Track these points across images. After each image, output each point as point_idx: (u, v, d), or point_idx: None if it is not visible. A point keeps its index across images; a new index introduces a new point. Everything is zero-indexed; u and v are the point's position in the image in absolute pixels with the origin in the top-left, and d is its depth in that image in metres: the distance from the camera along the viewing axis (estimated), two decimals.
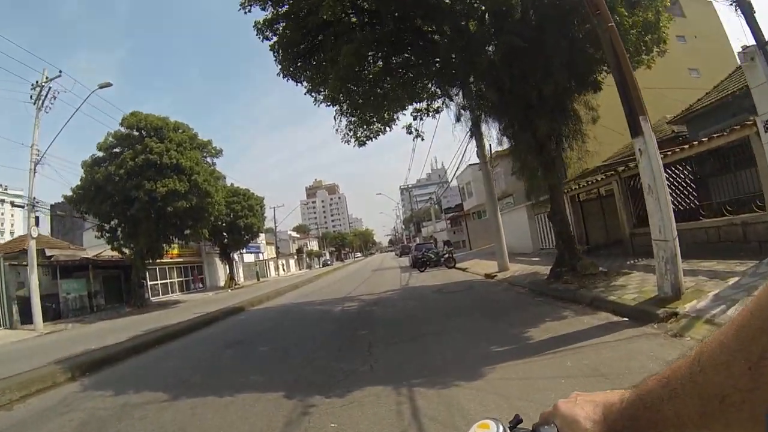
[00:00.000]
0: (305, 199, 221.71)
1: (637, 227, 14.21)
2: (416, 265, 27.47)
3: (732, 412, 0.58)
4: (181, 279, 42.20)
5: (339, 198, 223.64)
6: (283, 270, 76.18)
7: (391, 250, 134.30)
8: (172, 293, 39.61)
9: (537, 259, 19.60)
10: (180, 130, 28.17)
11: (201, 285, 43.94)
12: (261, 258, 66.69)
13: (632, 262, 12.57)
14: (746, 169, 10.43)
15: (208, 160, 30.41)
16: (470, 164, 46.16)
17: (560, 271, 11.29)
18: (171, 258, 40.24)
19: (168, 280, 40.28)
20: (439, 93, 14.71)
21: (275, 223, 65.95)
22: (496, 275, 16.88)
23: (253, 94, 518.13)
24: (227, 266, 44.25)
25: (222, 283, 44.72)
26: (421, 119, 16.54)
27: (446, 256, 25.83)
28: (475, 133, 17.11)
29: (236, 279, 44.78)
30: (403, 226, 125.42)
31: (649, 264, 10.05)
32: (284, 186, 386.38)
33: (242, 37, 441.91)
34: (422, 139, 17.09)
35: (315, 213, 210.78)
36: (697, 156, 11.84)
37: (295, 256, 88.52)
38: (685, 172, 12.57)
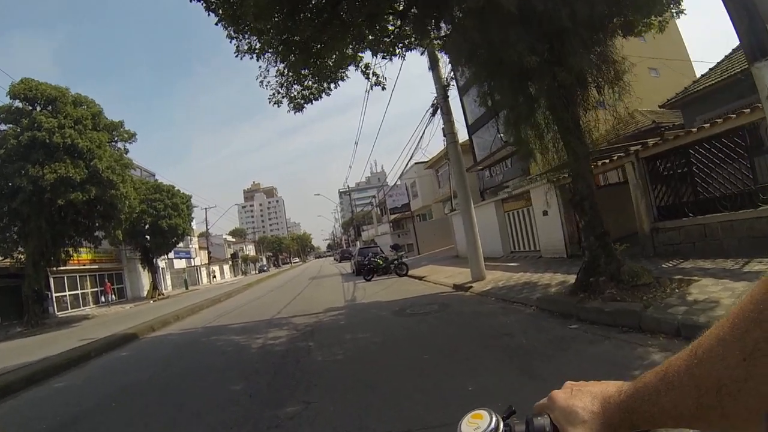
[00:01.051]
0: (243, 202, 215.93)
1: (659, 220, 11.46)
2: (360, 273, 24.20)
3: (728, 402, 0.59)
4: (96, 289, 37.02)
5: (277, 201, 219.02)
6: (218, 277, 71.32)
7: (330, 255, 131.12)
8: (84, 306, 34.67)
9: (515, 264, 16.48)
10: (82, 105, 23.27)
11: (112, 297, 37.86)
12: (192, 264, 61.86)
13: (671, 264, 9.61)
14: None
15: (119, 146, 25.65)
16: (416, 162, 43.71)
17: (594, 281, 7.83)
18: (82, 264, 35.48)
19: (80, 291, 35.08)
20: (411, 30, 10.93)
21: (207, 225, 61.16)
22: (470, 286, 13.38)
23: (193, 92, 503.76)
24: (151, 274, 39.63)
25: (145, 293, 40.08)
26: (375, 76, 12.87)
27: (396, 262, 22.49)
28: (443, 105, 14.23)
29: (161, 288, 40.12)
30: (342, 230, 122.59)
31: (701, 267, 8.25)
32: (222, 188, 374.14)
33: (185, 32, 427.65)
34: (383, 88, 13.21)
35: (253, 216, 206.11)
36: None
37: (230, 262, 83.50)
38: (730, 146, 9.54)
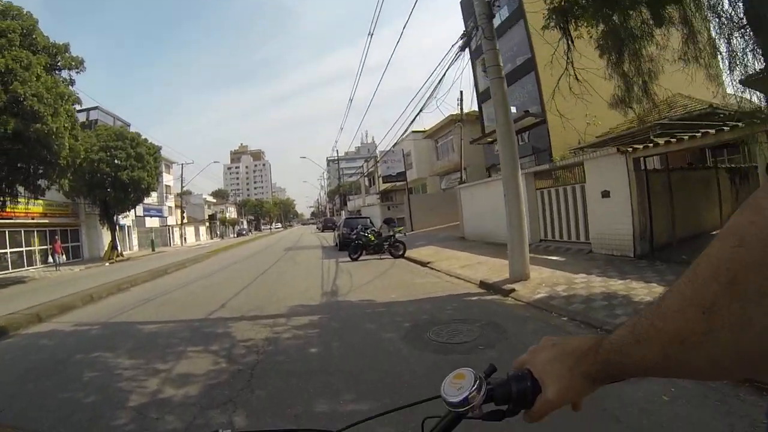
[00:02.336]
0: (229, 163, 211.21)
1: None
2: (345, 248, 20.61)
3: (692, 354, 0.63)
4: (46, 247, 32.87)
5: (264, 165, 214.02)
6: (192, 238, 67.10)
7: (313, 223, 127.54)
8: (29, 266, 30.47)
9: (559, 259, 12.50)
10: (8, 17, 18.76)
11: (61, 258, 31.35)
12: (166, 224, 57.61)
13: None
14: None
15: (64, 75, 21.31)
16: (413, 131, 39.60)
17: None
18: (30, 217, 31.20)
19: (24, 248, 30.91)
20: None
21: (182, 183, 56.56)
22: (511, 288, 9.11)
23: (187, 50, 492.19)
24: (110, 232, 35.30)
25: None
26: None
27: (392, 239, 18.43)
28: (486, 27, 10.13)
29: (120, 249, 35.89)
30: (327, 198, 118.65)
31: None
32: (210, 150, 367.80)
33: None
34: None
35: (238, 179, 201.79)
36: None
37: (207, 224, 79.12)
38: None
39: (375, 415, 1.10)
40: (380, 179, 47.93)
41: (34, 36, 19.44)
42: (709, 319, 0.60)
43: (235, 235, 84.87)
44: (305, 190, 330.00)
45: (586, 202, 13.46)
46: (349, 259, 17.81)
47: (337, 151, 58.73)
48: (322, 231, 60.51)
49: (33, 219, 31.63)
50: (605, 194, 12.38)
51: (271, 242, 42.23)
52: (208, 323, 8.47)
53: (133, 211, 44.26)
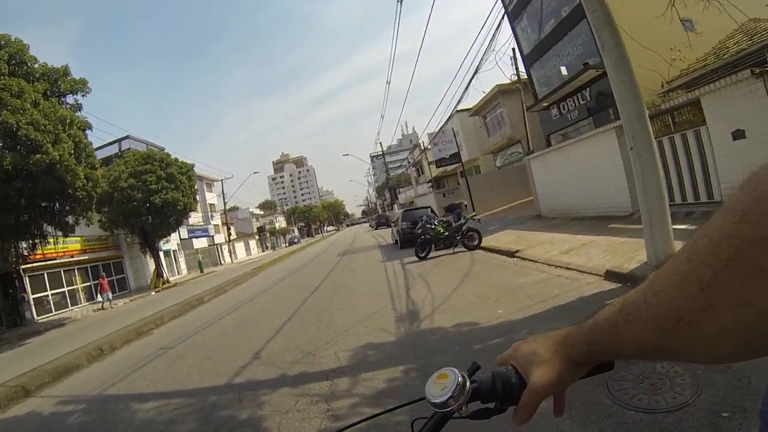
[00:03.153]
0: (273, 174, 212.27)
1: None
2: (406, 245, 18.09)
3: (688, 332, 0.61)
4: (89, 284, 31.03)
5: (307, 170, 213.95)
6: (243, 253, 65.56)
7: (365, 221, 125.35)
8: (74, 305, 28.62)
9: (689, 227, 8.69)
10: None
11: (108, 295, 26.97)
12: (213, 242, 56.06)
13: None
14: None
15: (69, 100, 18.87)
16: (457, 111, 36.05)
17: None
18: (70, 256, 29.57)
19: (66, 288, 28.92)
20: None
21: (224, 198, 54.77)
22: None
23: (215, 73, 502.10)
24: (154, 259, 33.39)
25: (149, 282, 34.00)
26: None
27: (465, 229, 14.63)
28: None
29: (166, 275, 33.86)
30: (377, 194, 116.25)
31: None
32: (253, 164, 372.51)
33: (201, 12, 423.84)
34: None
35: (284, 188, 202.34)
36: None
37: (256, 237, 77.62)
38: None
39: (364, 419, 1.08)
40: (430, 167, 44.32)
41: (27, 63, 17.16)
42: (709, 295, 0.57)
43: (287, 245, 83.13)
44: (353, 189, 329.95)
45: (705, 150, 9.97)
46: (416, 258, 14.44)
47: (381, 143, 55.50)
48: (376, 228, 57.58)
49: (72, 257, 29.99)
50: (738, 135, 9.12)
51: (323, 248, 39.43)
52: (228, 398, 5.35)
53: (176, 234, 42.68)
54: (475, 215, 15.90)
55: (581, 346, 0.78)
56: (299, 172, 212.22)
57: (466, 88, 21.69)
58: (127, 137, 43.34)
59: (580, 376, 0.83)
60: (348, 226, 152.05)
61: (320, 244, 48.95)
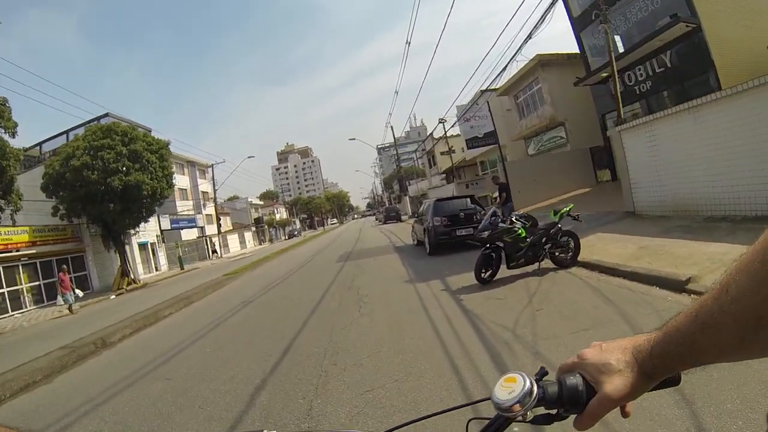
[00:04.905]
0: (277, 164, 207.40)
1: None
2: (438, 251, 13.75)
3: None
4: (37, 283, 25.24)
5: (312, 161, 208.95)
6: (238, 246, 59.92)
7: (371, 215, 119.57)
8: (15, 310, 23.08)
9: None
10: None
11: (72, 294, 19.47)
12: (204, 234, 50.52)
13: None
14: None
15: None
16: (483, 90, 30.09)
17: None
18: (15, 249, 24.10)
19: (7, 289, 23.31)
20: None
21: (214, 185, 48.93)
22: None
23: (223, 63, 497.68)
24: (119, 255, 27.57)
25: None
26: None
27: (557, 231, 8.37)
28: None
29: (132, 275, 28.02)
30: (383, 186, 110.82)
31: None
32: (258, 154, 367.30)
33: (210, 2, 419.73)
34: None
35: (288, 179, 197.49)
36: None
37: (253, 228, 71.80)
38: None
39: (421, 417, 1.04)
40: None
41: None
42: None
43: (287, 237, 77.40)
44: (358, 181, 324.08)
45: None
46: (474, 281, 8.28)
47: (392, 127, 49.64)
48: (384, 223, 51.55)
49: (18, 250, 24.49)
50: None
51: (323, 244, 33.31)
52: None
53: (156, 224, 37.04)
54: (569, 210, 8.92)
55: (655, 360, 0.77)
56: (304, 163, 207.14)
57: (520, 48, 16.24)
58: (106, 115, 37.75)
59: (650, 387, 0.81)
60: (354, 218, 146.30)
61: (320, 240, 42.66)
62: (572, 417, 0.85)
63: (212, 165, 48.80)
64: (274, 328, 7.90)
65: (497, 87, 32.87)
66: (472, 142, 26.37)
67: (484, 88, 27.67)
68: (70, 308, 18.61)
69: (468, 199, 15.54)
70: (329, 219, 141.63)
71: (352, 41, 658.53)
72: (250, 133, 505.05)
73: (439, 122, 28.02)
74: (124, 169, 23.52)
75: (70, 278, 26.99)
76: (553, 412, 0.86)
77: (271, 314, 9.22)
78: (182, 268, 36.12)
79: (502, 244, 8.29)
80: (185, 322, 10.44)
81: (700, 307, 0.70)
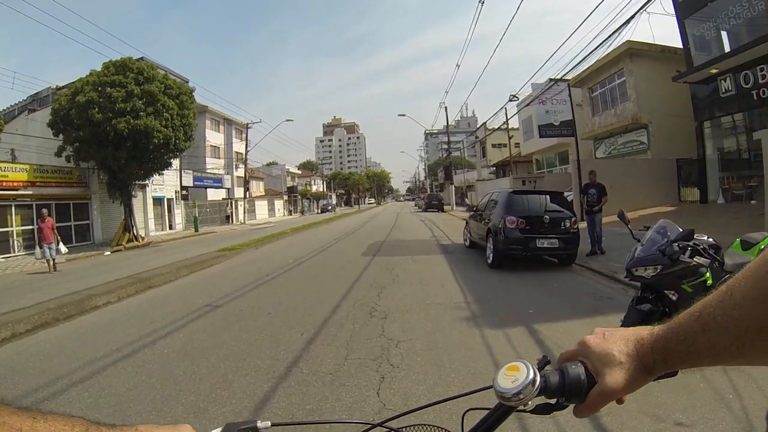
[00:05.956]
0: (321, 136, 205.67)
1: None
2: (502, 262, 10.46)
3: None
4: (32, 227, 22.46)
5: (358, 138, 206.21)
6: (266, 214, 57.19)
7: (410, 199, 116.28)
8: (7, 253, 20.87)
9: None
10: None
11: (56, 248, 15.78)
12: (231, 196, 47.88)
13: None
14: None
15: None
16: (552, 79, 25.84)
17: None
18: (13, 188, 21.63)
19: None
20: None
21: (247, 146, 45.83)
22: None
23: (281, 28, 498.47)
24: (124, 207, 24.70)
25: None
26: None
27: None
28: None
29: (135, 231, 25.00)
30: (428, 173, 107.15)
31: None
32: (305, 125, 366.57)
33: None
34: None
35: (330, 152, 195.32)
36: None
37: (285, 197, 68.83)
38: None
39: (422, 406, 1.06)
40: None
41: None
42: None
43: (319, 211, 74.34)
44: (402, 163, 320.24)
45: None
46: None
47: (446, 109, 45.66)
48: (424, 210, 47.78)
49: (16, 189, 21.95)
50: None
51: (354, 225, 29.68)
52: None
53: (177, 179, 34.30)
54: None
55: (656, 355, 0.77)
56: (349, 138, 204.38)
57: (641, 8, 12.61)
58: (141, 59, 34.94)
59: (649, 381, 0.81)
60: (396, 200, 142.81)
61: (353, 219, 39.02)
62: (571, 406, 0.84)
63: (248, 124, 45.61)
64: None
65: (569, 79, 28.48)
66: (545, 130, 22.02)
67: (556, 77, 23.51)
68: (51, 264, 15.37)
69: (554, 198, 11.19)
70: (367, 198, 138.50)
71: (412, 25, 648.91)
72: (299, 103, 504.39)
73: (510, 99, 24.17)
74: (134, 110, 20.39)
75: (66, 228, 24.57)
76: (553, 401, 0.85)
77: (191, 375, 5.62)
78: (196, 230, 33.20)
79: (674, 295, 4.51)
80: (109, 327, 7.03)
81: (703, 307, 0.70)
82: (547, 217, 10.27)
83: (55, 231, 15.42)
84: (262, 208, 55.96)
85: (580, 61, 18.81)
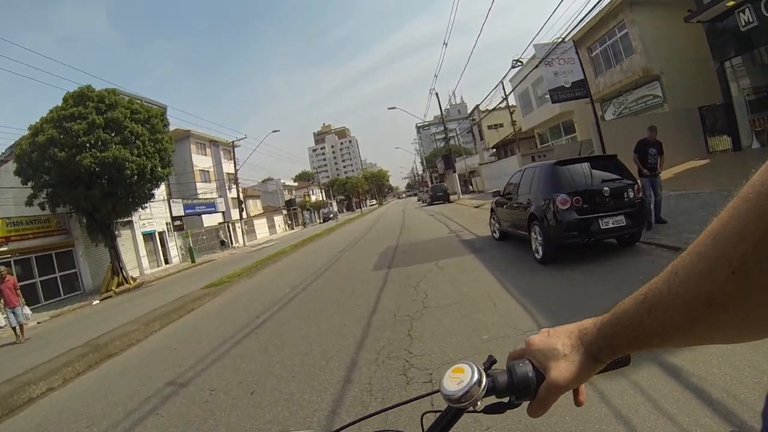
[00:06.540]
0: (313, 145, 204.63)
1: None
2: (554, 255, 8.28)
3: (719, 315, 0.61)
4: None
5: (350, 142, 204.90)
6: (267, 231, 55.28)
7: (413, 195, 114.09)
8: None
9: None
10: None
11: (16, 313, 12.65)
12: (228, 219, 45.99)
13: None
14: None
15: None
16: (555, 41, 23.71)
17: None
18: None
19: None
20: None
21: (235, 165, 43.81)
22: None
23: (263, 45, 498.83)
24: (110, 249, 22.77)
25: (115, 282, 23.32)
26: None
27: None
28: None
29: (124, 274, 23.02)
30: (424, 165, 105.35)
31: None
32: (296, 136, 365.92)
33: None
34: None
35: (325, 160, 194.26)
36: None
37: (284, 212, 66.76)
38: None
39: (373, 413, 1.04)
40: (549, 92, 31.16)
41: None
42: (739, 278, 0.57)
43: (321, 221, 72.37)
44: (398, 160, 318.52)
45: None
46: None
47: (437, 95, 43.62)
48: (430, 204, 45.10)
49: None
50: None
51: (359, 232, 26.91)
52: None
53: (167, 210, 32.36)
54: None
55: (601, 341, 0.77)
56: (341, 143, 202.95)
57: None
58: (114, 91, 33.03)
59: (598, 370, 0.81)
60: (397, 198, 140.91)
61: (355, 225, 36.61)
62: (525, 404, 0.84)
63: (233, 142, 43.66)
64: None
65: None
66: (557, 93, 19.58)
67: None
68: (17, 330, 13.28)
69: (608, 163, 8.87)
70: (367, 200, 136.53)
71: (392, 19, 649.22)
72: (291, 115, 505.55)
73: (513, 65, 22.28)
74: (99, 143, 18.40)
75: (51, 280, 22.69)
76: (505, 400, 0.85)
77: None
78: (193, 261, 31.19)
79: None
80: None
81: (648, 289, 0.69)
82: (607, 188, 7.98)
83: (19, 291, 13.29)
84: (261, 226, 54.00)
85: (582, 20, 16.85)
